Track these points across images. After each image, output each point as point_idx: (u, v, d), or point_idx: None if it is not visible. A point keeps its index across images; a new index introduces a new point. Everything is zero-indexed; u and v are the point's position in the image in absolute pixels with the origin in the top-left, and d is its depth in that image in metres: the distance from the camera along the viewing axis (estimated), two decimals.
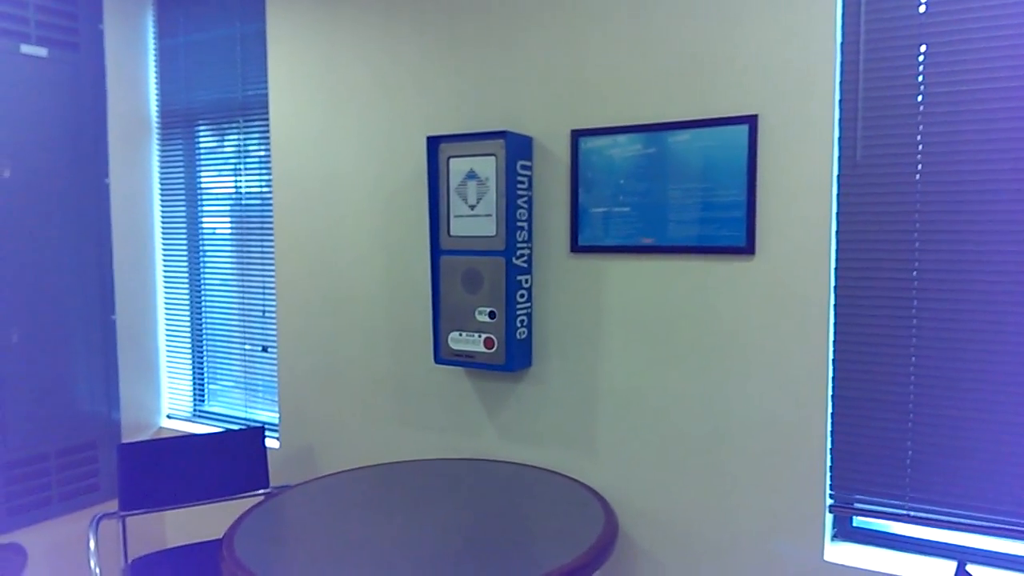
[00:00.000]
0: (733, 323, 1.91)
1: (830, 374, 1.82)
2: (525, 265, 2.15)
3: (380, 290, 2.46)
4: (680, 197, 1.95)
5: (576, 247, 2.10)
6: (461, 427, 2.34)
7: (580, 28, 2.07)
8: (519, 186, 2.10)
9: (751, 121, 1.84)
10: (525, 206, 2.13)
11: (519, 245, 2.11)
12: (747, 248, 1.87)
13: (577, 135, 2.07)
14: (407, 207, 2.39)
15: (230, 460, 2.44)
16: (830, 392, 1.83)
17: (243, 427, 2.60)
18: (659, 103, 1.97)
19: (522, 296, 2.14)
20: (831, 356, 1.82)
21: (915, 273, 1.75)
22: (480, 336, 2.13)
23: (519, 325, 2.13)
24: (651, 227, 1.99)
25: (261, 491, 2.46)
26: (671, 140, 1.95)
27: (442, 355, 2.21)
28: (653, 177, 1.98)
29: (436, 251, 2.20)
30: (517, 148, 2.09)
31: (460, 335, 2.17)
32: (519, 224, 2.11)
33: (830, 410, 1.83)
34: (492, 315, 2.11)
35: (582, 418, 2.14)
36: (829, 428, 1.83)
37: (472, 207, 2.12)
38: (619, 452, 2.09)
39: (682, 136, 1.93)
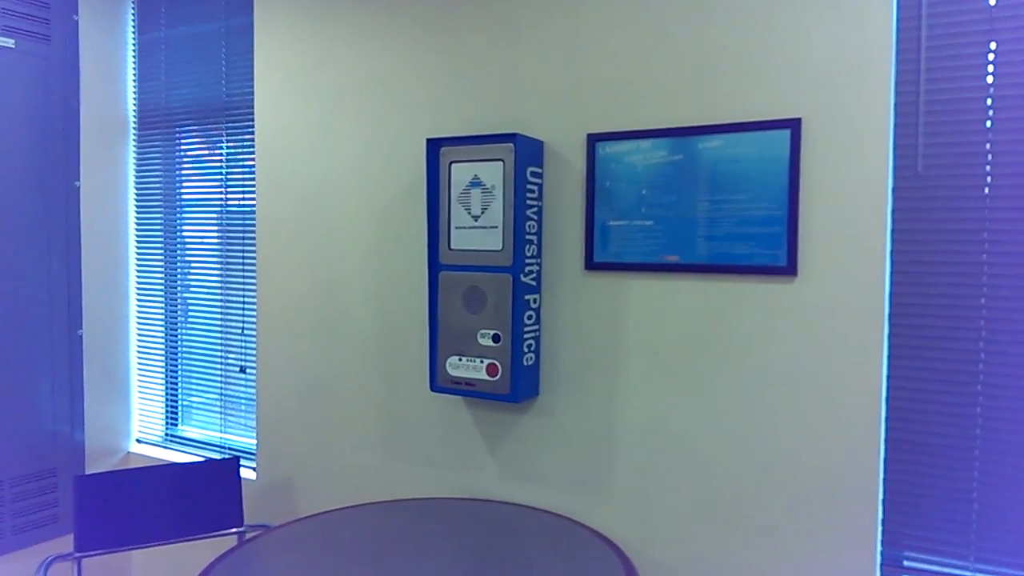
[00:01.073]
0: (771, 353, 1.68)
1: (883, 414, 1.59)
2: (534, 283, 1.92)
3: (371, 309, 2.23)
4: (710, 210, 1.73)
5: (591, 264, 1.88)
6: (459, 463, 2.10)
7: (599, 20, 1.86)
8: (529, 195, 1.88)
9: (794, 125, 1.63)
10: (535, 217, 1.91)
11: (528, 261, 1.89)
12: (788, 268, 1.65)
13: (594, 139, 1.86)
14: (404, 217, 2.16)
15: (200, 494, 2.19)
16: (882, 434, 1.60)
17: (216, 457, 2.36)
18: (688, 104, 1.76)
19: (530, 318, 1.91)
20: (884, 393, 1.60)
21: (983, 300, 1.54)
22: (482, 362, 1.90)
23: (526, 350, 1.90)
24: (677, 243, 1.77)
25: (234, 530, 2.21)
26: (701, 146, 1.73)
27: (439, 382, 1.97)
28: (680, 187, 1.76)
29: (434, 266, 1.97)
30: (527, 153, 1.87)
31: (460, 360, 1.94)
32: (528, 238, 1.88)
33: (882, 455, 1.61)
34: (496, 338, 1.88)
35: (596, 456, 1.90)
36: (881, 475, 1.60)
37: (476, 218, 1.90)
38: (638, 496, 1.85)
39: (714, 142, 1.72)
